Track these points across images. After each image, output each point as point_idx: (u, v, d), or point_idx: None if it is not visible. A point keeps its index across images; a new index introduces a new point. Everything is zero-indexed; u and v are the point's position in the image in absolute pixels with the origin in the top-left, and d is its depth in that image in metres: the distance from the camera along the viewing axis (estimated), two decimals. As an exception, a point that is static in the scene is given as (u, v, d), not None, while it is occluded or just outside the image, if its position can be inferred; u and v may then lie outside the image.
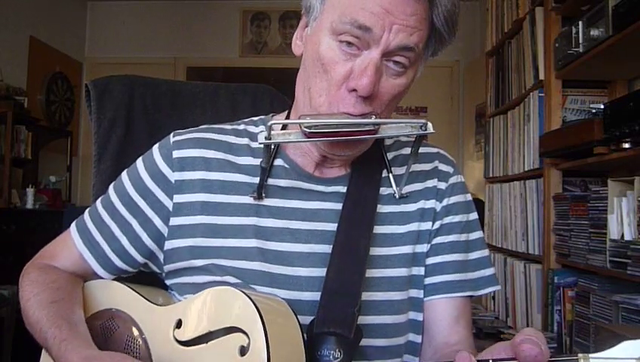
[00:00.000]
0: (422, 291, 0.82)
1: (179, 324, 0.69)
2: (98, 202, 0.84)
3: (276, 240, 0.76)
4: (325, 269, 0.74)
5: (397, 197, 0.81)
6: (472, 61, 4.26)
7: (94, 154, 0.99)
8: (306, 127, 0.68)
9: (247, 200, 0.78)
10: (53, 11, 4.41)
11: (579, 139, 1.81)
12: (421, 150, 0.83)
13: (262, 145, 0.73)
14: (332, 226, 0.77)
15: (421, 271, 0.82)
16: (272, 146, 0.77)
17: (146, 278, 0.84)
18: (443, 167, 0.86)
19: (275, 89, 1.16)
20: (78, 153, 4.74)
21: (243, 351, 0.60)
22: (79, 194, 4.70)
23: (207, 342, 0.65)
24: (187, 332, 0.68)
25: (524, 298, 2.37)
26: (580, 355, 0.51)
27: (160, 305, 0.76)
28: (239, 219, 0.77)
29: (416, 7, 0.68)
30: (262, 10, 4.73)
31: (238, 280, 0.74)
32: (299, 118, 0.70)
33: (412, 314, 0.81)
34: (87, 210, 0.85)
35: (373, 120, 0.69)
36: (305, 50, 0.76)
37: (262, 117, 0.88)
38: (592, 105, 2.08)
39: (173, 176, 0.78)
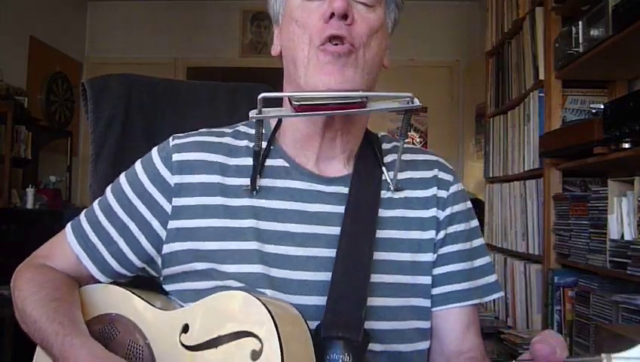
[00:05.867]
0: (428, 300, 0.81)
1: (185, 329, 0.68)
2: (95, 204, 0.83)
3: (275, 243, 0.76)
4: (327, 273, 0.74)
5: (392, 189, 0.82)
6: (472, 61, 4.25)
7: (91, 154, 0.97)
8: (295, 101, 0.70)
9: (247, 202, 0.77)
10: (53, 11, 4.40)
11: (579, 139, 1.81)
12: (420, 157, 0.87)
13: (257, 148, 0.76)
14: (333, 230, 0.77)
15: (427, 280, 0.81)
16: (262, 129, 0.76)
17: (144, 283, 0.82)
18: (443, 176, 0.87)
19: (275, 89, 1.15)
20: (78, 153, 4.74)
21: (254, 355, 0.60)
22: (79, 194, 4.70)
23: (216, 347, 0.64)
24: (195, 337, 0.67)
25: (524, 298, 2.37)
26: (603, 355, 0.51)
27: (163, 310, 0.74)
28: (239, 222, 0.76)
29: None
30: (262, 10, 4.70)
31: (241, 284, 0.73)
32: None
33: (416, 323, 0.80)
34: (82, 213, 0.84)
35: (360, 93, 0.72)
36: (281, 39, 0.80)
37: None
38: (592, 105, 2.08)
39: (173, 180, 0.78)
